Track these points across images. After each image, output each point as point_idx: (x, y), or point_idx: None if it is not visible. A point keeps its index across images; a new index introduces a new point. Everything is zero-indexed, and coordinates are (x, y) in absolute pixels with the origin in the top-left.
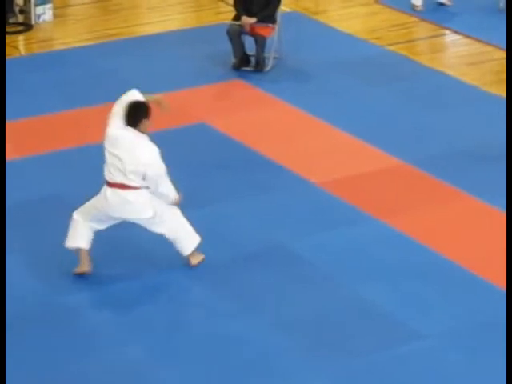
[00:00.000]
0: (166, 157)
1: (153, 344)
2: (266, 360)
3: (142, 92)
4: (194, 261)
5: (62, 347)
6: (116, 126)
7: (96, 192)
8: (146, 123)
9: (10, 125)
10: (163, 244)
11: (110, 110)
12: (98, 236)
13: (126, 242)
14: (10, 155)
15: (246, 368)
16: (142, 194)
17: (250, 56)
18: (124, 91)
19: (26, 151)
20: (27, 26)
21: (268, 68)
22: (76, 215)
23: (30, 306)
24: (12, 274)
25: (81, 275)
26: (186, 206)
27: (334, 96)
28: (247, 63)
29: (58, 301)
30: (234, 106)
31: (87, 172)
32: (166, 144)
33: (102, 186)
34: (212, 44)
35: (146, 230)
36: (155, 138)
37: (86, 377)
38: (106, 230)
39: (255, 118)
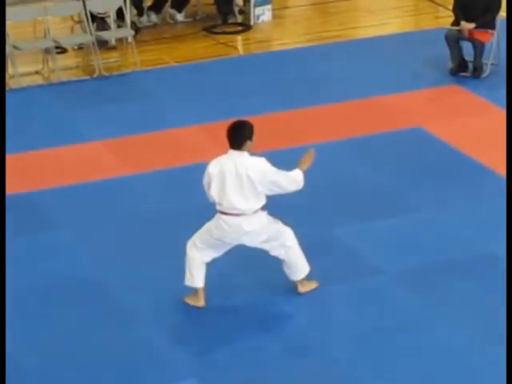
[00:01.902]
0: (380, 160)
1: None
2: (470, 370)
3: None
4: (303, 288)
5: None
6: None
7: (305, 193)
8: (249, 144)
9: (218, 124)
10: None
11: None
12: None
13: None
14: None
15: (451, 378)
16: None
17: (467, 61)
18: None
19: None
20: (246, 27)
21: (485, 74)
22: (190, 252)
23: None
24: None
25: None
26: (395, 210)
27: None
28: (465, 69)
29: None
30: (451, 111)
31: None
32: (381, 147)
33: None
34: (429, 48)
35: None
36: (370, 141)
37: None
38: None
39: (472, 124)
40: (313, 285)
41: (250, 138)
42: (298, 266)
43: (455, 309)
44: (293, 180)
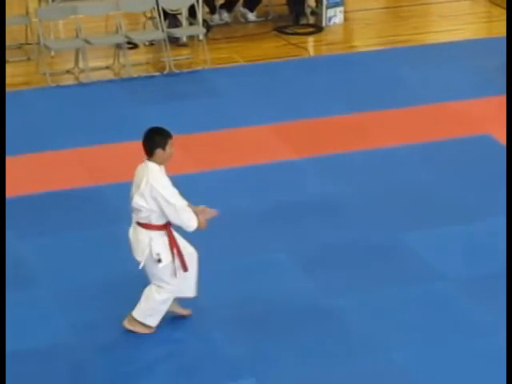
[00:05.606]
0: (444, 166)
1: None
2: None
3: None
4: (129, 325)
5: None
6: None
7: (373, 196)
8: (160, 154)
9: (289, 125)
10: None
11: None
12: None
13: None
14: (289, 155)
15: None
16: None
17: None
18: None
19: (305, 152)
20: (318, 28)
21: None
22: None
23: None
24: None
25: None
26: (461, 217)
27: None
28: None
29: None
30: None
31: (366, 176)
32: (447, 153)
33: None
34: (501, 55)
35: None
36: (435, 147)
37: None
38: None
39: None
40: (139, 329)
41: (161, 146)
42: (145, 309)
43: None
44: (180, 218)
